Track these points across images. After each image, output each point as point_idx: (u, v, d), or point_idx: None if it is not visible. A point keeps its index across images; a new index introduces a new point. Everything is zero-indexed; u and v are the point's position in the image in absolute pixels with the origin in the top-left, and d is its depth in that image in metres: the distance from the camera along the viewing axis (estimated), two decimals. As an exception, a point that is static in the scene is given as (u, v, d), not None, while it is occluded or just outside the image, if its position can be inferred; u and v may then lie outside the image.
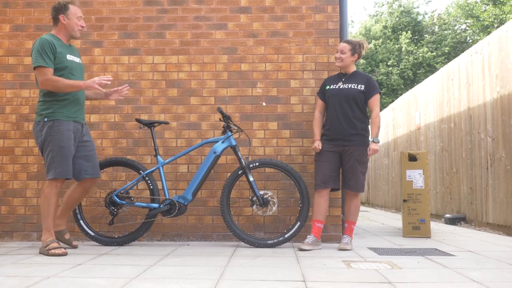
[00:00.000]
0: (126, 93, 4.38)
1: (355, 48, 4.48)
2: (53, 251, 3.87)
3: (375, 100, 4.42)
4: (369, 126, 4.43)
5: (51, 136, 3.95)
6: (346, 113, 4.37)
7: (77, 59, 4.19)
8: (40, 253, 3.97)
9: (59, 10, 4.10)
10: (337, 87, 4.47)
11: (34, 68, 3.96)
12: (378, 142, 4.37)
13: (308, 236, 4.34)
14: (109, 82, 4.04)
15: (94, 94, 4.37)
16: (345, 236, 4.39)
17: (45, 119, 3.98)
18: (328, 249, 4.31)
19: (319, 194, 4.39)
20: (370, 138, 4.41)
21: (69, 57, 4.09)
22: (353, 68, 4.54)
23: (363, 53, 4.56)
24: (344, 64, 4.48)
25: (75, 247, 4.27)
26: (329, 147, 4.40)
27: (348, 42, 4.51)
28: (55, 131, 3.95)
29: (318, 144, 4.45)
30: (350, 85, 4.42)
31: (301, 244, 4.29)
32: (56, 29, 4.14)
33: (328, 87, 4.52)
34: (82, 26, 4.18)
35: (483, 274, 3.16)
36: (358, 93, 4.38)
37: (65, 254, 3.89)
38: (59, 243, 4.00)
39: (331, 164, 4.38)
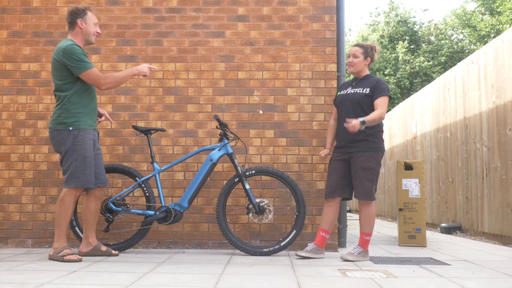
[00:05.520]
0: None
1: (367, 51, 4.35)
2: (68, 257, 3.87)
3: (379, 102, 4.17)
4: (379, 132, 4.27)
5: (76, 146, 3.94)
6: (350, 118, 4.20)
7: None
8: (52, 259, 3.94)
9: (77, 15, 4.08)
10: (346, 92, 4.37)
11: (82, 74, 3.94)
12: (364, 123, 3.99)
13: (308, 244, 4.32)
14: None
15: None
16: (355, 246, 4.25)
17: (70, 128, 3.96)
18: (325, 257, 4.31)
19: (327, 203, 4.34)
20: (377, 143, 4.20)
21: None
22: (365, 72, 4.41)
23: (376, 56, 4.42)
24: (356, 69, 4.36)
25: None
26: (337, 155, 4.33)
27: (360, 45, 4.38)
28: (79, 141, 3.95)
29: (322, 152, 4.49)
30: (356, 90, 4.30)
31: (299, 250, 4.28)
32: (73, 34, 4.11)
33: (339, 93, 4.46)
34: (98, 33, 4.19)
35: (478, 284, 3.17)
36: (362, 97, 4.23)
37: (80, 260, 3.90)
38: (71, 249, 4.01)
39: (338, 173, 4.29)
